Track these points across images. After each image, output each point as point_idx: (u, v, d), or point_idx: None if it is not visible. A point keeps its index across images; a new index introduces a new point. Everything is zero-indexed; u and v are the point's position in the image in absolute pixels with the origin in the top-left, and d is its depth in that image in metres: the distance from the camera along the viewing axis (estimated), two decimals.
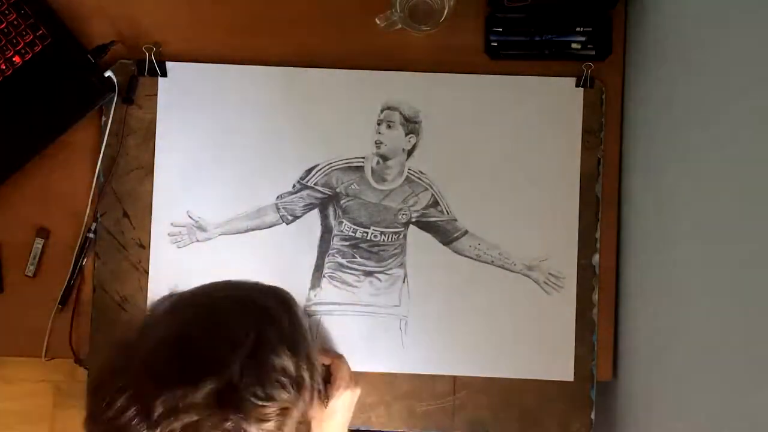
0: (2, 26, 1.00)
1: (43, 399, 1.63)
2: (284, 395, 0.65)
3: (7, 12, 1.00)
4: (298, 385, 0.68)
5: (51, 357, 1.04)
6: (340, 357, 0.97)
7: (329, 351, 1.00)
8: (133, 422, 0.62)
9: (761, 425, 0.68)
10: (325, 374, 0.94)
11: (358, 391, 0.95)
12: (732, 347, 0.74)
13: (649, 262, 0.97)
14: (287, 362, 0.67)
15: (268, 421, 0.64)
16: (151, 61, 1.02)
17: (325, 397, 0.91)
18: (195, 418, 0.61)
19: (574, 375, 1.02)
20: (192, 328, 0.68)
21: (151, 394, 0.62)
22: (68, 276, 1.03)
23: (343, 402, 0.93)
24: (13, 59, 1.00)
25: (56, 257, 1.03)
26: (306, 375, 0.69)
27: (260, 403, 0.64)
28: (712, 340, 0.79)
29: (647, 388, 0.96)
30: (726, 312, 0.75)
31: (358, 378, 0.97)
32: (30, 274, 1.03)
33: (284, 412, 0.65)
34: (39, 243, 1.03)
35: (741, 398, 0.73)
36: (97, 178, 1.02)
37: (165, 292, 1.00)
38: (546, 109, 1.03)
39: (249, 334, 0.66)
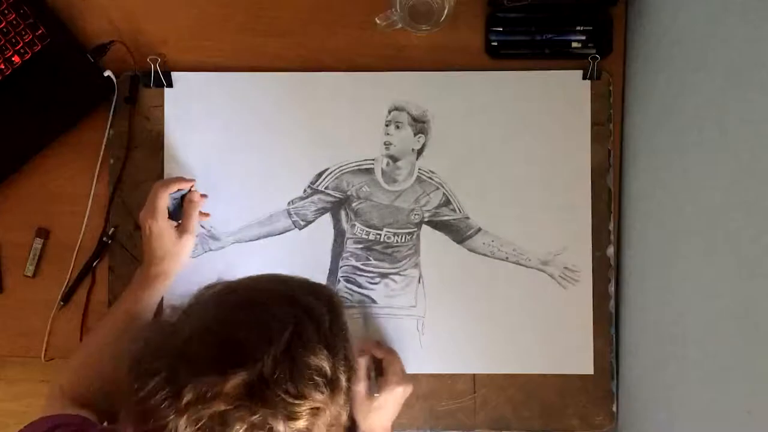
0: (1, 26, 0.99)
1: (43, 399, 1.63)
2: (317, 395, 0.64)
3: (6, 12, 1.00)
4: (332, 386, 0.66)
5: (50, 357, 1.04)
6: (393, 353, 0.97)
7: (383, 346, 1.00)
8: (162, 405, 0.61)
9: (761, 419, 0.68)
10: (377, 368, 0.95)
11: (409, 389, 0.95)
12: (731, 345, 0.74)
13: (649, 256, 0.97)
14: (323, 362, 0.66)
15: (298, 419, 0.63)
16: (156, 72, 1.02)
17: (375, 389, 0.92)
18: (223, 408, 0.61)
19: (594, 368, 1.02)
20: (230, 318, 0.67)
21: (182, 379, 0.61)
22: (69, 275, 1.03)
23: (394, 397, 0.93)
24: (13, 59, 1.00)
25: (56, 257, 1.04)
26: (342, 377, 0.68)
27: (290, 400, 0.63)
28: (712, 337, 0.79)
29: (646, 386, 0.96)
30: (726, 312, 0.75)
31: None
32: (29, 274, 1.03)
33: (315, 411, 0.64)
34: (38, 243, 1.03)
35: (741, 394, 0.73)
36: (97, 179, 1.03)
37: (179, 303, 1.01)
38: (554, 102, 1.03)
39: (286, 329, 0.65)
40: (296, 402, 0.63)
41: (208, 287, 0.72)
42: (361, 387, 0.94)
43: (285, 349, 0.64)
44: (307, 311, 0.69)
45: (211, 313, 0.68)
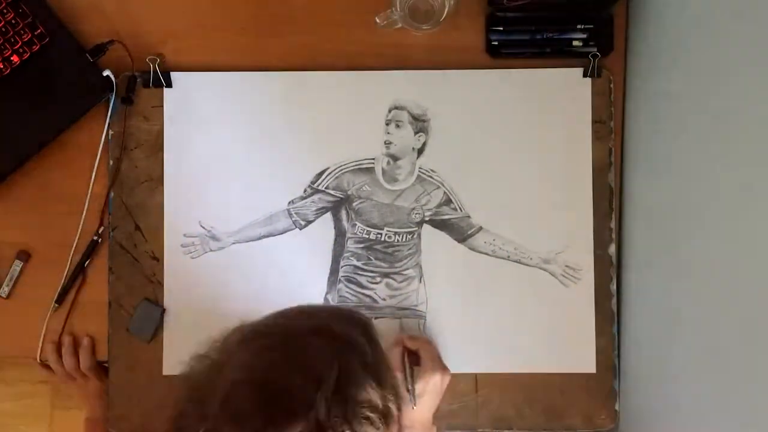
0: (0, 25, 0.99)
1: (41, 400, 1.63)
2: (372, 431, 0.62)
3: (5, 11, 0.99)
4: (386, 418, 0.64)
5: (46, 358, 1.04)
6: (426, 341, 0.95)
7: (415, 337, 0.97)
8: None
9: (761, 418, 0.68)
10: (414, 359, 0.93)
11: (448, 376, 0.91)
12: (733, 343, 0.74)
13: (651, 254, 0.97)
14: (373, 395, 0.63)
15: None
16: (155, 72, 1.02)
17: (411, 382, 0.90)
18: None
19: (596, 366, 1.02)
20: (269, 364, 0.63)
21: None
22: (65, 275, 1.03)
23: (433, 385, 0.90)
24: (11, 58, 0.99)
25: (53, 258, 1.03)
26: (393, 406, 0.66)
27: None
28: (714, 335, 0.79)
29: (649, 384, 0.96)
30: (728, 309, 0.75)
31: None
32: (26, 276, 1.03)
33: None
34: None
35: (740, 393, 0.73)
36: (95, 180, 1.02)
37: (179, 304, 1.01)
38: (554, 100, 1.03)
39: (332, 368, 0.62)
40: None
41: (233, 331, 0.67)
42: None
43: (335, 389, 0.61)
44: (348, 343, 0.66)
45: (248, 363, 0.64)
